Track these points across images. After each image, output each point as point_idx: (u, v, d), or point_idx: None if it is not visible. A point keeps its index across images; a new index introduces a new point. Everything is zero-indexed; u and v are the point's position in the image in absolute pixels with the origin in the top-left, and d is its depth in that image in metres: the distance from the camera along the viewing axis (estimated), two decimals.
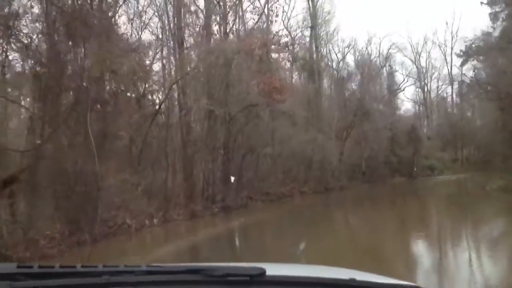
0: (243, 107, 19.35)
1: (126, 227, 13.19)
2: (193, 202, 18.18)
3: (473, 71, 37.29)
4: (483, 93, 22.24)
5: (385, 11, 73.09)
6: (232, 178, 19.26)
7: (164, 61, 22.50)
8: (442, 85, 54.35)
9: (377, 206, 19.87)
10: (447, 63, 52.03)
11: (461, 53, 43.16)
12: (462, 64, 44.51)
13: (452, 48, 50.74)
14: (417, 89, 53.52)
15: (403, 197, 26.38)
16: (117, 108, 13.97)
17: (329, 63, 37.61)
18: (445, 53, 51.22)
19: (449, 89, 54.63)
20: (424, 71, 52.90)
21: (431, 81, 54.29)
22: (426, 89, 54.04)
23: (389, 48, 44.47)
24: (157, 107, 18.75)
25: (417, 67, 51.99)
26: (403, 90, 49.70)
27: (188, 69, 16.75)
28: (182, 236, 13.91)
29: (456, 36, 52.58)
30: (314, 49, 32.14)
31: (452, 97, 52.98)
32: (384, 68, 45.25)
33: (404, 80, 50.11)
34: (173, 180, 18.72)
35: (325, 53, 36.10)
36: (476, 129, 50.37)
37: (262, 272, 1.05)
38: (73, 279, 1.00)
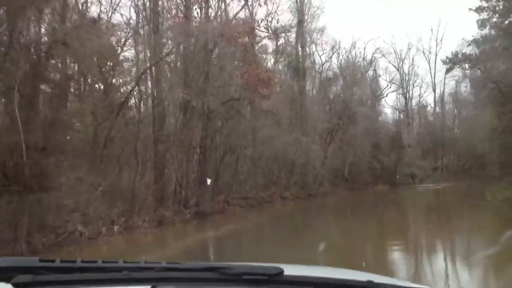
0: (224, 101, 17.23)
1: (78, 235, 10.85)
2: (163, 206, 15.92)
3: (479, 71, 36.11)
4: (492, 95, 20.76)
5: (371, 16, 72.00)
6: (209, 180, 17.09)
7: (138, 48, 20.15)
8: (424, 92, 53.71)
9: (368, 222, 16.65)
10: (430, 70, 51.37)
11: (447, 60, 42.33)
12: (448, 71, 43.69)
13: (436, 55, 50.13)
14: (398, 96, 52.59)
15: (398, 213, 21.42)
16: (70, 93, 11.57)
17: (314, 63, 35.88)
18: (429, 60, 50.53)
19: (430, 97, 54.04)
20: (407, 78, 52.07)
21: (413, 88, 53.47)
22: (408, 96, 53.19)
23: (374, 53, 43.33)
24: (129, 99, 16.45)
25: (400, 73, 51.10)
26: (386, 96, 48.59)
27: (164, 53, 14.49)
28: (141, 249, 11.45)
29: (441, 43, 52.14)
30: (299, 47, 30.34)
31: (434, 105, 52.21)
32: (368, 73, 44.04)
33: (387, 86, 49.01)
34: (142, 181, 16.41)
35: (311, 52, 34.35)
36: (457, 138, 49.96)
37: (280, 271, 1.05)
38: (94, 274, 1.01)
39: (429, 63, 50.54)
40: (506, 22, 33.11)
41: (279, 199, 24.52)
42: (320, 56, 37.32)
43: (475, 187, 33.40)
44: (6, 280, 0.94)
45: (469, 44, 35.04)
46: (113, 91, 16.37)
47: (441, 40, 49.43)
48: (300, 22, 29.76)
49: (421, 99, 53.91)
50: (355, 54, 41.06)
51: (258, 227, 15.96)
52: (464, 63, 40.45)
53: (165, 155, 17.56)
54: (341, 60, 39.53)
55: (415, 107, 55.88)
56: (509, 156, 18.05)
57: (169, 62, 15.70)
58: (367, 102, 38.35)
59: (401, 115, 54.43)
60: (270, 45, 27.75)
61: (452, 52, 41.76)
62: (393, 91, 48.98)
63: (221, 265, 1.06)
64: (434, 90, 51.46)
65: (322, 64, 36.95)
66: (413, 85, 53.08)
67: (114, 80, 16.52)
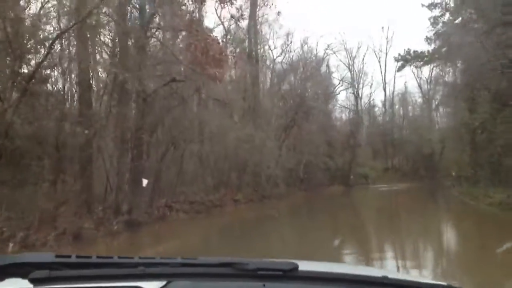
0: (165, 83, 13.88)
1: None
2: (84, 216, 12.25)
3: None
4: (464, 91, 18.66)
5: (324, 12, 70.26)
6: (145, 181, 13.62)
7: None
8: (374, 91, 53.01)
9: (331, 235, 13.49)
10: (381, 69, 50.69)
11: (399, 57, 41.48)
12: (399, 69, 42.92)
13: (386, 54, 49.35)
14: (348, 95, 51.39)
15: (367, 225, 17.40)
16: None
17: (267, 54, 33.15)
18: (379, 58, 49.67)
19: (381, 96, 53.50)
20: (357, 76, 50.99)
21: (363, 87, 52.50)
22: (358, 95, 52.11)
23: (326, 49, 41.58)
24: (42, 72, 12.60)
25: (350, 71, 49.91)
26: (338, 93, 47.09)
27: (88, 13, 10.87)
28: None
29: (391, 41, 51.67)
30: (252, 34, 27.46)
31: (384, 104, 51.56)
32: (321, 69, 42.20)
33: (339, 83, 47.54)
34: (56, 183, 12.64)
35: (263, 41, 31.55)
36: (406, 138, 49.65)
37: (295, 267, 1.05)
38: (110, 270, 1.00)
39: (379, 62, 49.75)
40: (457, 21, 32.43)
41: (230, 202, 21.44)
42: (272, 51, 34.74)
43: (437, 189, 32.32)
44: (23, 275, 0.93)
45: (429, 41, 34.02)
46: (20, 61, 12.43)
47: (391, 38, 48.79)
48: (253, 5, 26.92)
49: (371, 99, 53.08)
50: (307, 49, 38.91)
51: (207, 243, 12.49)
52: (417, 61, 39.83)
53: (91, 150, 13.86)
54: (292, 56, 37.11)
55: (365, 106, 54.97)
56: (488, 154, 15.99)
57: (95, 27, 12.09)
58: (320, 98, 36.31)
59: (351, 114, 53.23)
60: (220, 34, 24.60)
61: (404, 50, 41.11)
62: (344, 89, 47.55)
63: (236, 261, 1.05)
64: (384, 89, 50.86)
65: (274, 59, 34.28)
66: (363, 84, 52.09)
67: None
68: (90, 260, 1.01)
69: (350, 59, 48.91)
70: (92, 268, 0.99)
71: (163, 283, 1.06)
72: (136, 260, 1.02)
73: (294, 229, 14.87)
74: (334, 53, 44.35)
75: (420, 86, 51.36)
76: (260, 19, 28.63)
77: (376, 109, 55.36)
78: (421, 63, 39.77)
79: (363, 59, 53.05)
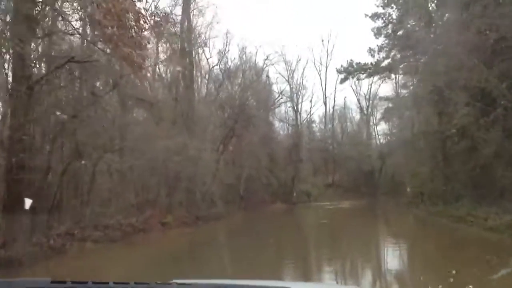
0: (62, 63, 9.98)
1: None
2: None
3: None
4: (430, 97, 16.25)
5: (263, 21, 67.38)
6: (28, 202, 9.46)
7: None
8: (314, 106, 51.53)
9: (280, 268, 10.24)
10: (321, 82, 49.39)
11: (342, 69, 40.13)
12: (342, 81, 41.59)
13: (327, 67, 48.09)
14: (287, 109, 49.37)
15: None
16: None
17: (202, 56, 29.70)
18: (319, 72, 48.26)
19: (321, 111, 52.14)
20: (297, 90, 49.23)
21: (302, 101, 50.74)
22: (297, 109, 50.29)
23: (265, 59, 39.17)
24: None
25: (290, 85, 48.02)
26: (279, 106, 44.69)
27: None
28: None
29: (332, 54, 50.57)
30: (185, 30, 23.98)
31: (325, 119, 50.16)
32: (260, 79, 39.59)
33: (278, 96, 45.28)
34: None
35: (198, 44, 28.11)
36: (346, 154, 48.38)
37: None
38: None
39: (320, 75, 48.36)
40: (400, 32, 31.48)
41: (157, 226, 17.47)
42: (209, 53, 31.45)
43: (392, 207, 29.37)
44: None
45: (372, 53, 32.69)
46: None
47: (331, 52, 47.64)
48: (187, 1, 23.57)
49: (311, 113, 51.40)
50: (246, 58, 36.09)
51: None
52: (360, 73, 38.71)
53: None
54: (231, 64, 34.06)
55: (305, 121, 53.21)
56: (471, 166, 13.34)
57: None
58: (262, 107, 33.54)
59: (289, 129, 51.11)
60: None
61: (347, 61, 39.87)
62: (284, 102, 45.30)
63: (226, 284, 1.09)
64: (325, 103, 49.43)
65: (212, 67, 30.89)
66: (303, 99, 50.26)
67: None
68: (86, 285, 1.00)
69: (289, 71, 46.88)
70: None
71: None
72: (132, 285, 1.02)
73: (236, 264, 11.26)
74: (273, 64, 42.05)
75: (359, 101, 50.78)
76: (194, 12, 25.22)
77: (315, 124, 53.89)
78: (364, 75, 38.64)
79: (302, 72, 51.46)
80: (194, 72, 25.92)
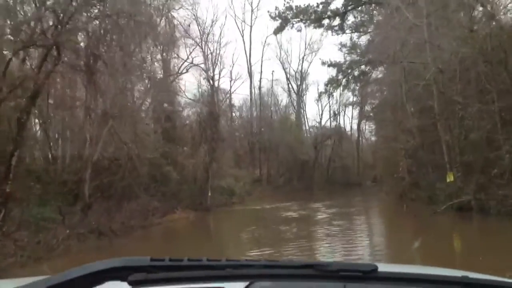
0: None
1: None
2: None
3: None
4: None
5: None
6: None
7: None
8: (237, 79, 38.79)
9: None
10: (245, 46, 36.71)
11: (276, 15, 28.13)
12: (277, 32, 29.56)
13: (251, 27, 35.71)
14: (201, 80, 36.10)
15: None
16: None
17: None
18: (242, 32, 35.69)
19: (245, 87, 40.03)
20: (214, 58, 36.10)
21: (220, 72, 37.79)
22: (213, 81, 37.21)
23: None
24: None
25: (203, 50, 34.71)
26: (186, 71, 31.15)
27: None
28: None
29: (257, 10, 38.41)
30: None
31: (250, 94, 38.16)
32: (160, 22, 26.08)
33: (187, 58, 31.68)
34: None
35: None
36: (278, 140, 36.99)
37: (375, 268, 1.05)
38: (200, 272, 1.04)
39: (242, 36, 35.99)
40: None
41: None
42: None
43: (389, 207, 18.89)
44: (122, 278, 0.97)
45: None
46: None
47: (257, 6, 34.95)
48: None
49: (232, 88, 38.72)
50: None
51: None
52: (303, 20, 27.09)
53: None
54: None
55: (224, 99, 40.26)
56: None
57: None
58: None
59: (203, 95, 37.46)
60: None
61: (284, 3, 27.93)
62: (195, 65, 31.85)
63: (318, 263, 1.06)
64: (249, 75, 37.35)
65: None
66: (221, 69, 37.32)
67: None
68: (182, 263, 1.04)
69: (202, 33, 33.30)
70: (184, 270, 1.03)
71: (247, 283, 1.14)
72: (224, 262, 1.05)
73: None
74: (181, 24, 28.43)
75: (288, 78, 39.71)
76: None
77: (238, 101, 41.24)
78: (308, 22, 27.14)
79: (220, 32, 38.43)
80: None
